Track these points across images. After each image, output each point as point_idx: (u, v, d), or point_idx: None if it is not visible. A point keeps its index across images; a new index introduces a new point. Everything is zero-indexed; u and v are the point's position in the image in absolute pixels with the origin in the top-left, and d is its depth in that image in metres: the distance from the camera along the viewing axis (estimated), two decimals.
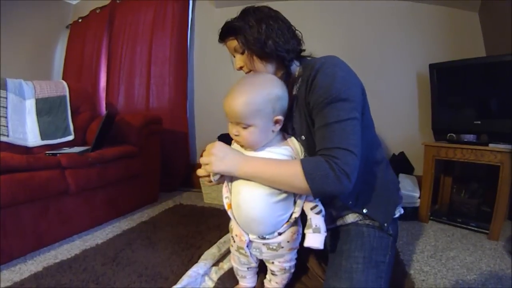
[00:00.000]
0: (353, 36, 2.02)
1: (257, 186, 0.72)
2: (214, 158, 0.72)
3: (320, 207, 0.75)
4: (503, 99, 1.44)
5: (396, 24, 1.94)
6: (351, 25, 2.02)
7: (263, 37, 0.75)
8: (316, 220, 0.73)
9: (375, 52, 1.99)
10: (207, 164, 0.73)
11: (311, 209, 0.75)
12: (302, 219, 0.79)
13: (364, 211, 0.81)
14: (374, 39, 1.99)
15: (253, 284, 0.93)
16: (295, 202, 0.76)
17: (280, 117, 0.74)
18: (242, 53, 0.80)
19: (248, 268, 0.90)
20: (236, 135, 0.74)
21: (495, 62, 1.45)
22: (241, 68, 0.83)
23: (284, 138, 0.81)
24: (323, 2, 2.05)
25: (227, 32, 0.81)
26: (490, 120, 1.48)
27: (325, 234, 0.72)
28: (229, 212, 0.80)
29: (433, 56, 1.77)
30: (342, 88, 0.68)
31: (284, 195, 0.73)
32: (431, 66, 1.67)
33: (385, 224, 0.81)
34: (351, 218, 0.84)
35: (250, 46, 0.76)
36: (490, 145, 1.37)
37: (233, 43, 0.80)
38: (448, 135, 1.56)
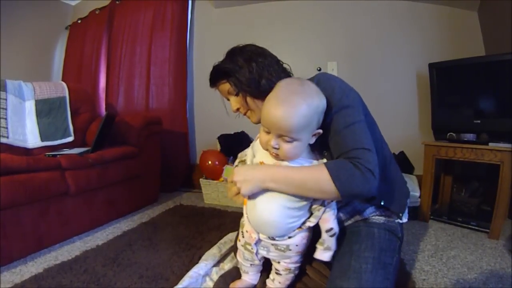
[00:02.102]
0: (353, 36, 2.02)
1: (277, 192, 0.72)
2: (240, 184, 0.71)
3: (335, 230, 0.76)
4: (503, 98, 1.44)
5: (396, 23, 1.94)
6: (351, 25, 2.02)
7: (256, 77, 0.74)
8: (329, 241, 0.76)
9: (375, 52, 1.99)
10: (238, 193, 0.73)
11: (327, 231, 0.75)
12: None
13: (382, 203, 0.82)
14: (374, 38, 1.99)
15: (255, 282, 0.93)
16: (311, 213, 0.76)
17: (320, 131, 0.72)
18: (237, 95, 0.80)
19: (251, 265, 0.90)
20: (275, 148, 0.68)
21: (494, 61, 1.45)
22: (238, 110, 0.82)
23: (312, 152, 0.78)
24: (324, 2, 2.05)
25: (217, 76, 0.80)
26: (490, 119, 1.48)
27: (335, 249, 0.76)
28: (244, 208, 0.81)
29: (432, 56, 1.77)
30: (342, 97, 0.71)
31: (301, 203, 0.73)
32: (431, 66, 1.67)
33: (400, 215, 0.83)
34: (367, 212, 0.85)
35: (244, 87, 0.75)
36: (490, 144, 1.37)
37: (226, 86, 0.80)
38: (448, 134, 1.56)
